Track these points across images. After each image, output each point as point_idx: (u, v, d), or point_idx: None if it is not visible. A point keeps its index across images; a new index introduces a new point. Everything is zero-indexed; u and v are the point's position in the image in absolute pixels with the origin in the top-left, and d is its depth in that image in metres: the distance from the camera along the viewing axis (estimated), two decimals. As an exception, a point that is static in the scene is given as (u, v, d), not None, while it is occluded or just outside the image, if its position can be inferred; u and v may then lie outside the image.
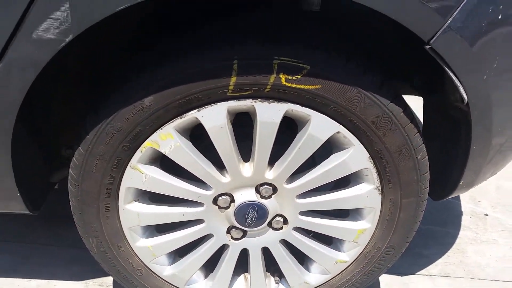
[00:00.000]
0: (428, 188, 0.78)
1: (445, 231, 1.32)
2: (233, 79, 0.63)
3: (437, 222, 1.35)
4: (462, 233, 1.32)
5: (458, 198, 1.49)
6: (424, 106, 0.85)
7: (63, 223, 1.05)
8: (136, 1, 0.53)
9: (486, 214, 1.41)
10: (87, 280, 1.03)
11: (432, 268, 1.18)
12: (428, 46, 0.59)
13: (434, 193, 0.89)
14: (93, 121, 0.68)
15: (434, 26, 0.58)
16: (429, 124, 0.87)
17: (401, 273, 1.15)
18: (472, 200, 1.47)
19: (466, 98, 0.65)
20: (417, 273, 1.16)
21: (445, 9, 0.57)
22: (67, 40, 0.55)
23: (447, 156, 0.81)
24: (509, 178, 1.61)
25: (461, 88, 0.64)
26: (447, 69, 0.62)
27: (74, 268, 1.06)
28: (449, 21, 0.57)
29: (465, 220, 1.38)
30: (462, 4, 0.57)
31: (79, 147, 0.70)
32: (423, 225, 1.33)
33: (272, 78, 0.63)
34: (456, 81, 0.63)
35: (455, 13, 0.57)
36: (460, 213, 1.41)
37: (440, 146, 0.84)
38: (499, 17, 0.58)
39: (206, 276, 0.90)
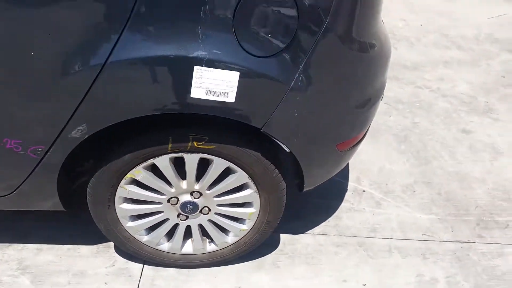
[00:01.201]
0: (284, 189, 1.42)
1: (330, 203, 1.94)
2: (170, 146, 1.25)
3: (326, 197, 1.96)
4: (342, 205, 1.96)
5: (346, 178, 2.12)
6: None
7: (81, 212, 1.68)
8: (114, 122, 1.14)
9: (363, 191, 2.06)
10: (98, 245, 1.69)
11: (316, 229, 1.82)
12: (261, 130, 1.21)
13: (298, 188, 1.54)
14: (99, 165, 1.30)
15: (261, 122, 1.19)
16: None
17: (294, 233, 1.79)
18: (357, 179, 2.12)
19: (287, 150, 1.29)
20: (305, 232, 1.80)
21: (265, 113, 1.18)
22: (86, 137, 1.16)
23: (298, 170, 1.44)
24: (392, 162, 2.25)
25: (283, 146, 1.27)
26: (273, 138, 1.25)
27: (90, 238, 1.70)
28: (269, 119, 1.19)
29: (347, 195, 2.02)
30: (275, 110, 1.18)
31: (93, 178, 1.32)
32: (316, 199, 1.97)
33: (189, 144, 1.25)
34: (279, 143, 1.26)
35: (272, 114, 1.19)
36: (345, 190, 2.05)
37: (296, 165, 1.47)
38: (295, 115, 1.20)
39: (168, 240, 1.55)
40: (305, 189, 1.48)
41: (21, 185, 1.30)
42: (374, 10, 1.25)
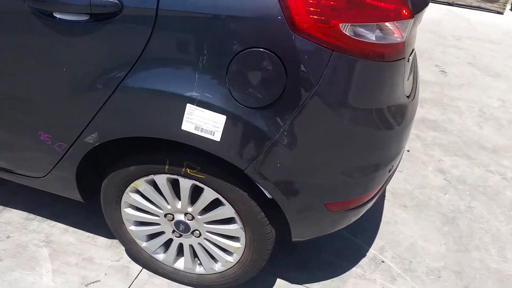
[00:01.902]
0: (270, 233, 1.46)
1: (341, 264, 1.90)
2: (167, 167, 1.39)
3: (340, 256, 1.91)
4: (353, 269, 1.90)
5: (369, 243, 2.05)
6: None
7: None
8: (119, 136, 1.32)
9: (382, 261, 1.97)
10: (113, 240, 1.89)
11: (314, 285, 1.80)
12: (244, 171, 1.29)
13: (287, 237, 1.56)
14: (109, 172, 1.49)
15: (245, 165, 1.27)
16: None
17: (292, 282, 1.79)
18: (381, 248, 2.03)
19: (270, 196, 1.34)
20: (304, 284, 1.80)
21: (248, 157, 1.26)
22: (97, 144, 1.36)
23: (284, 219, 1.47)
24: (427, 240, 2.11)
25: (265, 191, 1.33)
26: (255, 181, 1.31)
27: (109, 232, 1.91)
28: (252, 164, 1.26)
29: (363, 261, 1.95)
30: (258, 156, 1.25)
31: (105, 179, 1.52)
32: (328, 255, 1.94)
33: (183, 170, 1.38)
34: (261, 187, 1.32)
35: (255, 160, 1.26)
36: (363, 255, 1.98)
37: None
38: (278, 165, 1.25)
39: (164, 252, 1.69)
40: (293, 240, 1.50)
41: (50, 172, 1.54)
42: (383, 82, 1.26)
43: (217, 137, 1.23)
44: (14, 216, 1.98)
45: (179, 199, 1.50)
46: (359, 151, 1.31)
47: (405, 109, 1.43)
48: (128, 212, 1.58)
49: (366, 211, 1.59)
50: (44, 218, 1.96)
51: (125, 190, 1.51)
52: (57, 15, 1.19)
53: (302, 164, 1.27)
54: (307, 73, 1.14)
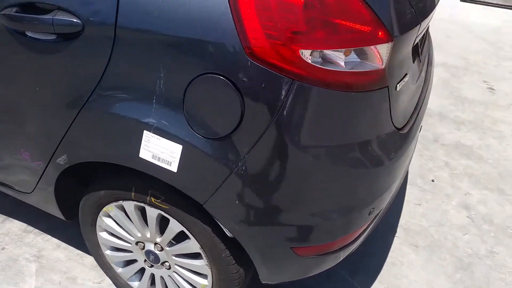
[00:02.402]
0: (237, 273, 1.37)
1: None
2: (133, 194, 1.36)
3: None
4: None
5: (367, 285, 1.89)
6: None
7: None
8: (83, 160, 1.30)
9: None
10: (100, 260, 1.88)
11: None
12: (203, 206, 1.22)
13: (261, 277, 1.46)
14: (84, 196, 1.48)
15: (203, 198, 1.20)
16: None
17: None
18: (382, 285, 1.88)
19: (229, 234, 1.26)
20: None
21: (206, 191, 1.19)
22: (67, 166, 1.35)
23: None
24: (433, 287, 1.93)
25: (224, 229, 1.25)
26: (213, 217, 1.24)
27: (98, 251, 1.91)
28: (210, 198, 1.19)
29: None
30: (216, 191, 1.18)
31: (82, 200, 1.51)
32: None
33: (148, 198, 1.34)
34: (220, 224, 1.24)
35: (213, 195, 1.19)
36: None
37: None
38: (236, 202, 1.18)
39: (139, 280, 1.65)
40: (263, 282, 1.41)
41: (35, 188, 1.56)
42: (356, 114, 1.14)
43: (174, 167, 1.17)
44: (14, 227, 2.03)
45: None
46: (327, 190, 1.20)
47: (392, 144, 1.30)
48: (102, 236, 1.55)
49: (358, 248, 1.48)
50: (41, 231, 1.99)
51: (98, 213, 1.49)
52: (29, 34, 1.19)
53: (262, 202, 1.18)
54: (265, 103, 1.05)
